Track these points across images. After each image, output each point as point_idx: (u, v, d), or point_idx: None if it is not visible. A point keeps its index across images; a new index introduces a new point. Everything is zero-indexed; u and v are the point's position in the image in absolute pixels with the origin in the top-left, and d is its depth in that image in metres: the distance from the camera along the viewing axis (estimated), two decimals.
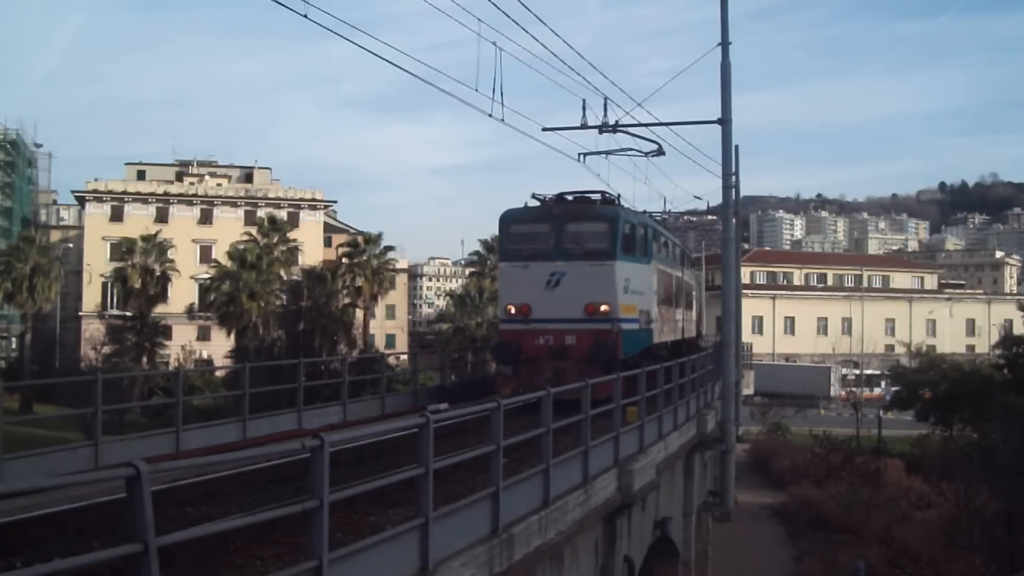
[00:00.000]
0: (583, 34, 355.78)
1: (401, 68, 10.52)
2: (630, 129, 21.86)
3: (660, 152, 23.29)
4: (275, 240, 59.10)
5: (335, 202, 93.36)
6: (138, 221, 69.98)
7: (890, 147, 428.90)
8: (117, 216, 74.15)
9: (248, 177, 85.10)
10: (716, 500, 23.21)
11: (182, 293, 66.17)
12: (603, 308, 18.93)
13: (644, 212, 23.03)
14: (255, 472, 10.79)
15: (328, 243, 78.11)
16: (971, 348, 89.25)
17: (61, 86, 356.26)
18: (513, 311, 19.55)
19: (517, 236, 20.13)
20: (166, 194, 76.16)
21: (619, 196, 20.82)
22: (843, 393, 78.73)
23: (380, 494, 8.82)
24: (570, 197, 20.45)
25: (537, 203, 20.29)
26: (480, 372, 30.52)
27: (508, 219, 20.27)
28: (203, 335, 65.60)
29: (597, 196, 20.44)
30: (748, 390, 66.94)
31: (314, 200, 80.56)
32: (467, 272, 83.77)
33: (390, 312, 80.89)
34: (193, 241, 73.88)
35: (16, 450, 12.10)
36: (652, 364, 16.63)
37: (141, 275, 56.12)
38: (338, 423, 17.71)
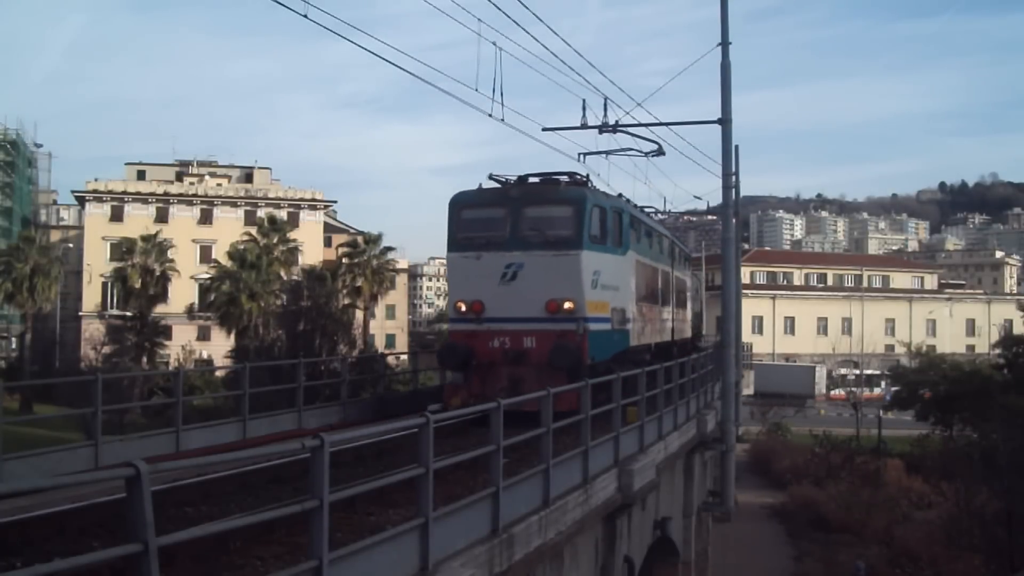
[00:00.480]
0: (583, 34, 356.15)
1: (401, 68, 10.57)
2: (630, 129, 21.86)
3: (660, 152, 23.28)
4: (275, 240, 59.10)
5: (335, 202, 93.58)
6: (138, 221, 70.01)
7: (890, 147, 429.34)
8: (117, 216, 74.16)
9: (248, 177, 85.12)
10: (716, 500, 23.21)
11: (182, 293, 66.15)
12: (567, 305, 16.45)
13: (620, 196, 20.07)
14: (255, 472, 10.80)
15: (328, 243, 78.14)
16: (971, 348, 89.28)
17: (61, 86, 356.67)
18: (463, 309, 17.13)
19: (468, 222, 17.45)
20: (166, 194, 76.16)
21: (587, 176, 18.29)
22: (826, 393, 79.30)
23: (380, 494, 8.81)
24: (536, 180, 18.16)
25: (497, 186, 17.90)
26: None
27: (458, 203, 17.65)
28: (203, 335, 65.60)
29: (565, 178, 18.07)
30: (748, 390, 66.99)
31: (314, 200, 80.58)
32: None
33: (390, 312, 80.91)
34: (193, 241, 73.89)
35: (16, 450, 12.09)
36: (629, 370, 14.56)
37: (141, 275, 56.12)
38: (338, 423, 17.70)
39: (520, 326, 16.70)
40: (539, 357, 16.35)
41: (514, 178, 17.90)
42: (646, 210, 26.32)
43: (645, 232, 21.52)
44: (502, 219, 16.98)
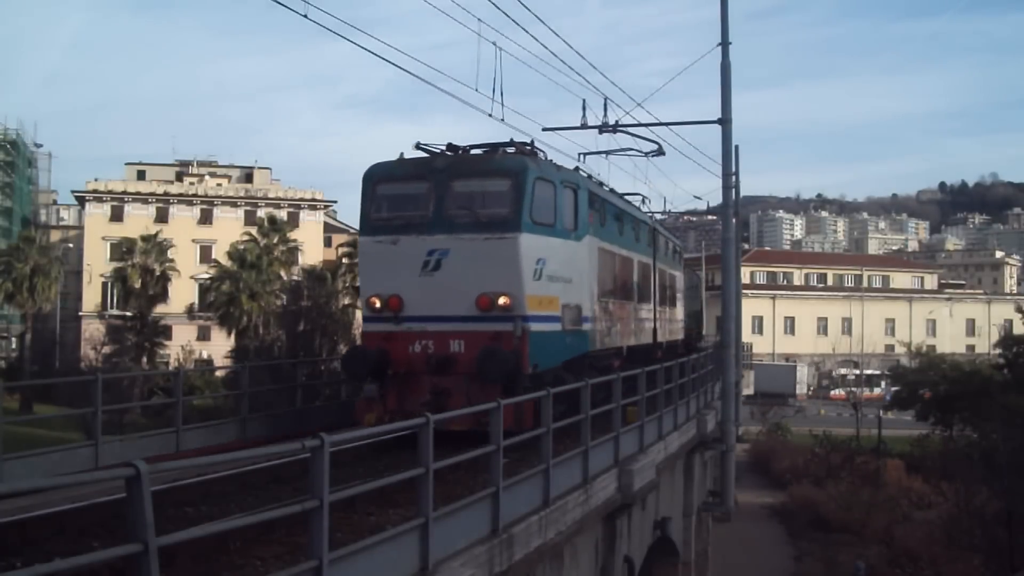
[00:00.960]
0: (583, 34, 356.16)
1: (401, 68, 10.55)
2: (630, 129, 21.87)
3: (660, 152, 23.31)
4: (275, 240, 59.04)
5: (335, 202, 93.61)
6: (138, 221, 69.97)
7: (890, 147, 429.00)
8: (117, 216, 74.14)
9: (248, 177, 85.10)
10: (716, 500, 23.22)
11: (182, 293, 66.10)
12: (502, 301, 13.60)
13: (578, 168, 17.11)
14: (255, 472, 10.80)
15: (328, 243, 78.07)
16: (971, 348, 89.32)
17: (61, 86, 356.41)
18: (378, 306, 14.28)
19: (384, 200, 14.72)
20: (166, 194, 76.15)
21: (532, 141, 15.40)
22: (807, 392, 79.76)
23: (380, 494, 8.81)
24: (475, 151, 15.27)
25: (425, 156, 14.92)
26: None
27: (373, 176, 14.78)
28: (203, 335, 65.58)
29: (512, 150, 15.09)
30: (748, 390, 66.96)
31: (314, 200, 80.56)
32: None
33: None
34: (193, 241, 73.85)
35: (16, 450, 12.10)
36: (588, 378, 12.58)
37: (141, 275, 56.09)
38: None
39: (446, 326, 13.93)
40: (468, 364, 13.54)
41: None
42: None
43: (614, 215, 18.40)
44: (424, 195, 14.19)
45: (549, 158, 15.56)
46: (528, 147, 15.21)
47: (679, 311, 28.09)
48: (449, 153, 14.71)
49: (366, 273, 15.06)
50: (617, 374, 13.55)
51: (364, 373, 14.18)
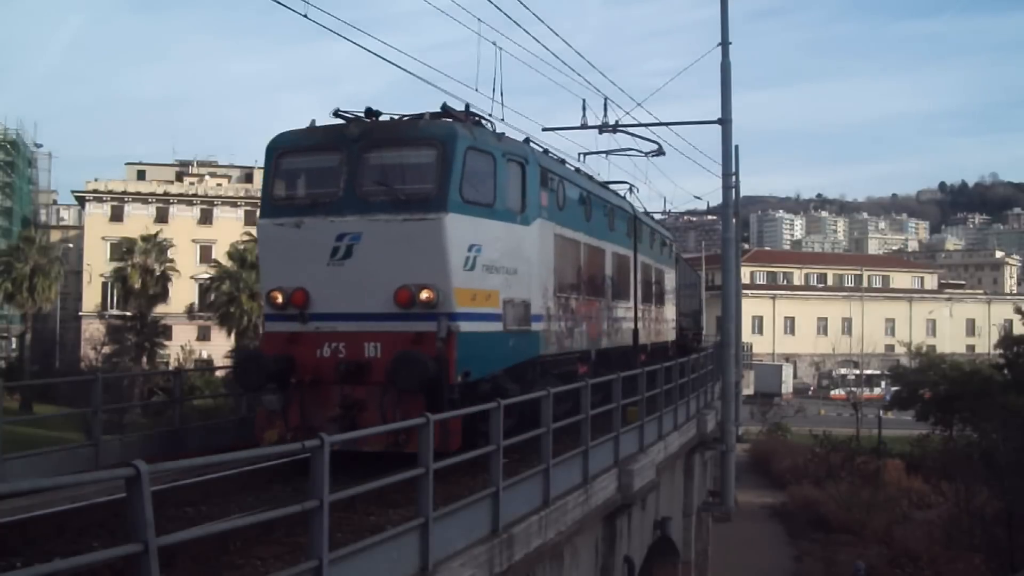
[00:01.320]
0: (583, 34, 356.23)
1: (401, 68, 10.49)
2: (630, 129, 21.87)
3: (660, 152, 23.31)
4: None
5: None
6: (138, 221, 69.95)
7: (890, 147, 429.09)
8: (117, 216, 74.13)
9: (248, 177, 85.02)
10: (716, 500, 23.22)
11: (182, 293, 66.10)
12: (424, 295, 11.41)
13: (528, 141, 14.32)
14: (255, 472, 10.80)
15: None
16: (971, 348, 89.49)
17: (61, 86, 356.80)
18: (280, 301, 12.09)
19: (289, 175, 12.68)
20: (166, 194, 76.13)
21: (467, 106, 13.20)
22: (792, 392, 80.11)
23: (380, 494, 8.81)
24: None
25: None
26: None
27: (277, 147, 12.65)
28: (203, 335, 65.61)
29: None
30: (748, 390, 66.95)
31: None
32: None
33: None
34: (193, 241, 73.83)
35: (16, 450, 12.09)
36: (541, 386, 11.19)
37: (141, 275, 56.09)
38: None
39: (359, 326, 11.77)
40: (385, 371, 11.40)
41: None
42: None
43: (578, 199, 15.90)
44: (335, 169, 12.02)
45: (501, 132, 13.33)
46: (470, 115, 13.00)
47: (669, 310, 25.72)
48: (366, 119, 12.23)
49: (267, 263, 12.77)
50: (617, 374, 13.45)
51: (259, 383, 11.86)
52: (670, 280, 26.08)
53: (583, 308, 15.94)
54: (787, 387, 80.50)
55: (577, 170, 17.09)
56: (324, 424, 10.85)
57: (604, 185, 19.63)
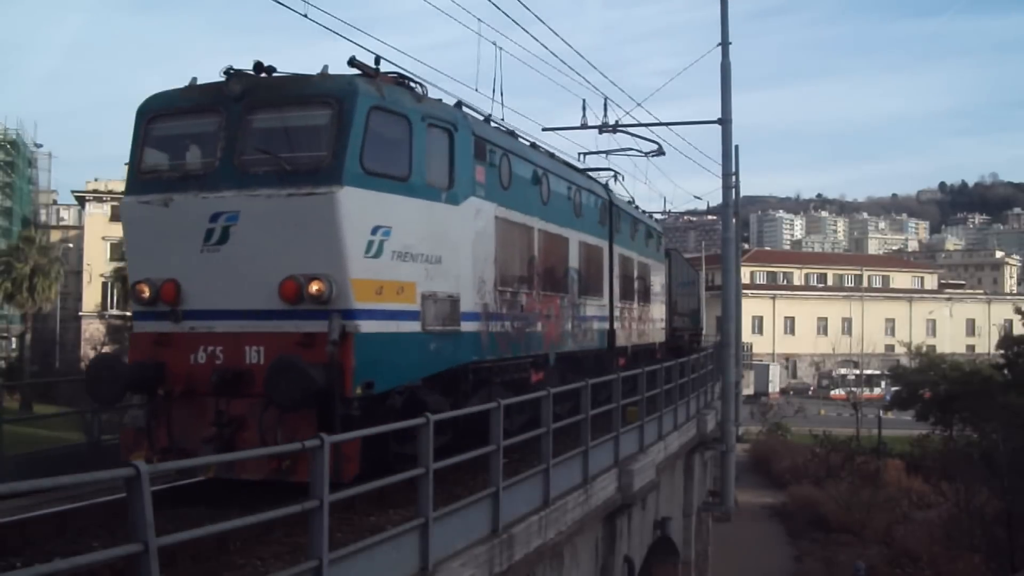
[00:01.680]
0: (583, 34, 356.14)
1: (401, 68, 10.19)
2: (630, 129, 21.92)
3: (660, 152, 23.35)
4: None
5: None
6: None
7: (890, 147, 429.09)
8: (117, 216, 73.96)
9: None
10: (716, 500, 23.24)
11: None
12: (313, 288, 9.27)
13: (460, 104, 12.04)
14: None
15: None
16: (971, 348, 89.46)
17: (61, 86, 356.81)
18: (147, 295, 10.08)
19: (161, 142, 10.59)
20: None
21: (377, 59, 10.86)
22: (779, 391, 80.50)
23: (380, 494, 8.81)
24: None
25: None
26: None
27: (148, 110, 10.55)
28: None
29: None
30: (748, 390, 67.02)
31: None
32: None
33: None
34: None
35: (16, 450, 12.09)
36: (474, 402, 10.46)
37: None
38: None
39: (240, 326, 9.65)
40: None
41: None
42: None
43: (531, 177, 13.73)
44: (212, 135, 9.96)
45: (431, 96, 11.23)
46: (389, 75, 10.70)
47: (657, 309, 23.62)
48: (252, 75, 9.97)
49: (132, 249, 10.66)
50: (617, 375, 13.45)
51: (114, 395, 9.98)
52: (658, 276, 24.13)
53: (538, 305, 13.86)
54: (774, 386, 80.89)
55: (533, 145, 14.82)
56: (198, 445, 9.21)
57: (573, 167, 17.38)
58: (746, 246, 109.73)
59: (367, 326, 9.49)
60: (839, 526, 36.46)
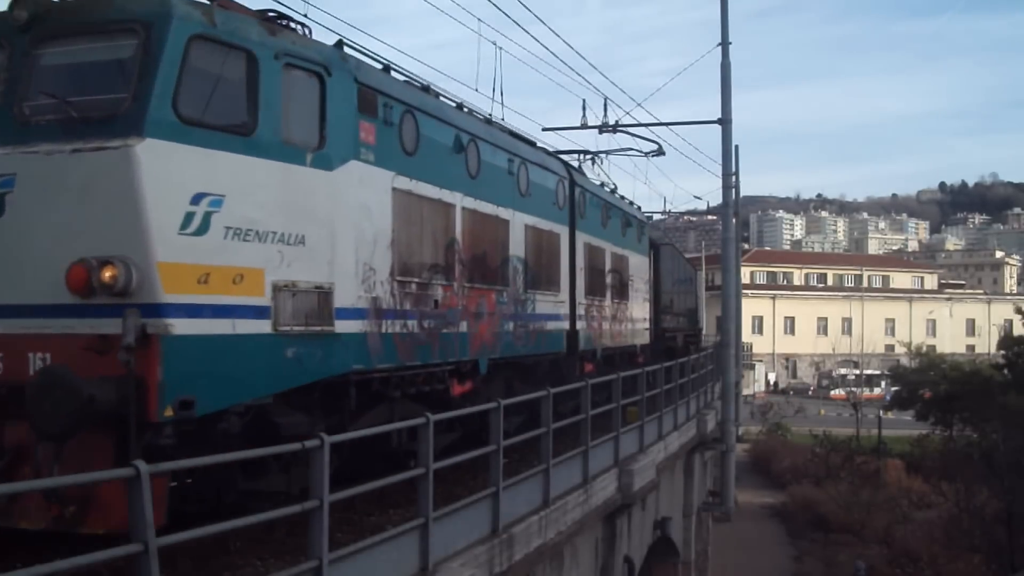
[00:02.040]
0: (583, 34, 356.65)
1: (401, 68, 10.03)
2: (630, 129, 21.96)
3: (660, 152, 23.38)
4: None
5: None
6: None
7: (890, 147, 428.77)
8: None
9: None
10: (716, 500, 23.27)
11: None
12: (106, 275, 6.91)
13: (341, 43, 9.48)
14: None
15: None
16: (971, 348, 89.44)
17: None
18: None
19: None
20: None
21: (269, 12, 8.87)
22: (766, 390, 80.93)
23: (380, 494, 8.81)
24: None
25: None
26: None
27: None
28: None
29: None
30: (749, 390, 67.07)
31: None
32: None
33: None
34: None
35: None
36: (362, 422, 9.03)
37: None
38: None
39: (20, 325, 7.33)
40: None
41: None
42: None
43: (452, 143, 11.27)
44: None
45: (313, 38, 9.06)
46: (257, 12, 8.59)
47: (638, 307, 21.22)
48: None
49: None
50: (617, 374, 13.44)
51: None
52: (640, 270, 21.63)
53: (461, 300, 11.40)
54: (759, 386, 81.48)
55: (459, 106, 12.33)
56: None
57: (523, 138, 14.84)
58: (746, 246, 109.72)
59: (183, 326, 7.14)
60: (839, 526, 36.45)
